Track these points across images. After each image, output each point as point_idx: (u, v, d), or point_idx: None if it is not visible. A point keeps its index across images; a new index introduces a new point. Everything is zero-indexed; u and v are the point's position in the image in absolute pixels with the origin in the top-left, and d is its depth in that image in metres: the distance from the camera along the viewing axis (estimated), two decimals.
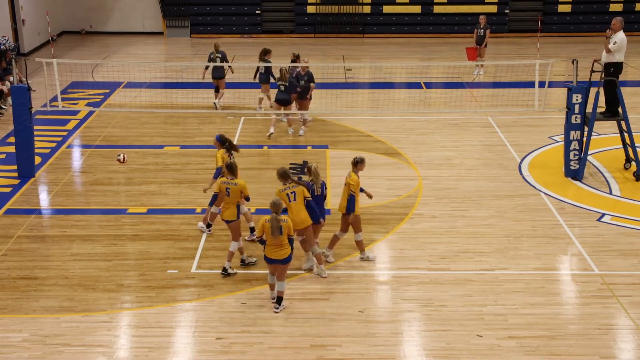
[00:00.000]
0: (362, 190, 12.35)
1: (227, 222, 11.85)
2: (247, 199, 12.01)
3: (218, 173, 12.95)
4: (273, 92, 19.24)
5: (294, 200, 11.49)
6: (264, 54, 19.58)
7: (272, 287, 11.05)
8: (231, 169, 11.93)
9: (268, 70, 19.55)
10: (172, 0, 31.30)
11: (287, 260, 10.77)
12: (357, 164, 12.08)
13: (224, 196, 11.77)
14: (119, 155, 16.64)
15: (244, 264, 12.19)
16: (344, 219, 12.19)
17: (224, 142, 13.35)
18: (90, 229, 13.68)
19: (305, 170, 11.97)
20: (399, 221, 13.84)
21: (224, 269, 11.88)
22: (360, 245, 12.38)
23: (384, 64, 25.39)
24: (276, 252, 10.69)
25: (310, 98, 18.85)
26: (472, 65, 24.48)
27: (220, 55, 20.49)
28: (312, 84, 18.64)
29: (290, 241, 10.77)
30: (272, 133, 18.21)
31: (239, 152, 13.50)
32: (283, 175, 11.57)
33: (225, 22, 31.46)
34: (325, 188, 12.05)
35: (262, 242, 10.77)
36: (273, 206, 10.62)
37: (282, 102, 18.30)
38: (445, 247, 12.83)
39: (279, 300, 10.91)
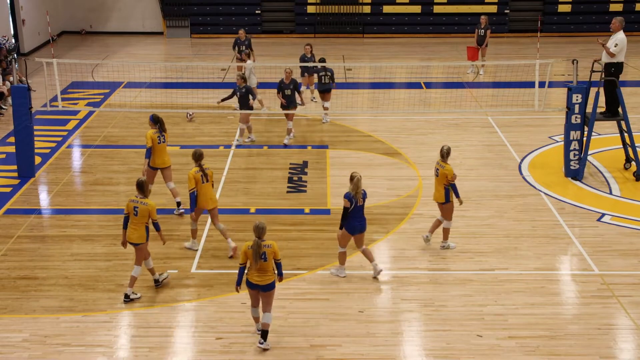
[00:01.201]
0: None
1: (135, 245, 11.02)
2: (155, 225, 11.03)
3: (149, 154, 13.75)
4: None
5: (206, 181, 12.21)
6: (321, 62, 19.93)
7: (256, 319, 10.23)
8: (140, 187, 10.96)
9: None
10: (172, 0, 31.29)
11: (269, 287, 9.82)
12: (449, 154, 12.45)
13: (132, 216, 10.94)
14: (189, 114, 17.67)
15: (159, 284, 11.47)
16: (440, 208, 12.69)
17: (157, 122, 13.83)
18: (90, 229, 13.68)
19: (349, 179, 11.46)
20: (399, 221, 13.84)
21: (126, 295, 11.13)
22: (446, 234, 12.74)
23: (384, 64, 25.40)
24: (256, 277, 9.79)
25: (297, 105, 18.32)
26: (471, 65, 24.46)
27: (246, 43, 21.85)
28: (299, 96, 17.98)
29: (278, 265, 9.89)
30: (249, 140, 17.89)
31: (166, 133, 14.03)
32: (197, 156, 12.27)
33: (225, 22, 31.44)
34: (366, 197, 11.60)
35: (241, 272, 9.84)
36: (255, 230, 9.73)
37: (249, 107, 17.57)
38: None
39: (264, 334, 9.97)
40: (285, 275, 11.71)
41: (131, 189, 15.32)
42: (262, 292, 9.88)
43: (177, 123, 19.61)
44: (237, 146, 17.73)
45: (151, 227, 11.10)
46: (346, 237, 11.63)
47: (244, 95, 17.35)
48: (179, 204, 14.14)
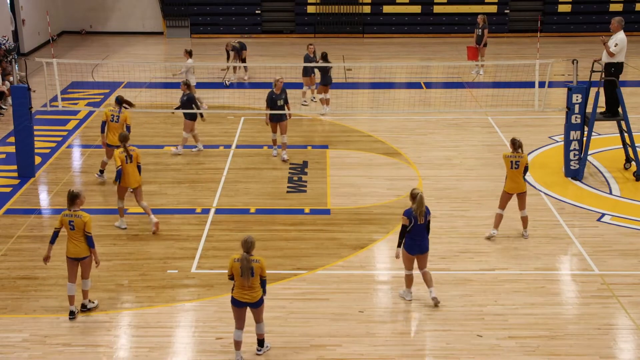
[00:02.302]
0: None
1: (82, 259, 10.55)
2: (89, 240, 10.46)
3: (103, 129, 15.32)
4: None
5: (130, 162, 13.08)
6: (324, 57, 20.09)
7: (237, 345, 9.68)
8: (69, 199, 10.51)
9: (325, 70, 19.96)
10: (172, 0, 31.29)
11: (258, 304, 9.56)
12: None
13: (69, 231, 10.47)
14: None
15: (85, 309, 10.84)
16: (522, 197, 13.03)
17: (118, 103, 15.42)
18: None
19: (410, 196, 10.80)
20: (399, 221, 13.78)
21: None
22: (526, 222, 13.18)
23: (384, 64, 25.39)
24: (246, 294, 9.48)
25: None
26: (472, 65, 24.47)
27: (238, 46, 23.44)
28: (287, 106, 16.63)
29: (263, 282, 9.55)
30: (178, 153, 17.27)
31: (133, 105, 15.70)
32: (122, 138, 13.25)
33: (225, 22, 31.44)
34: (430, 214, 10.93)
35: (232, 278, 9.59)
36: (244, 244, 9.39)
37: (193, 116, 17.13)
38: (445, 247, 12.83)
39: (260, 342, 9.90)
40: (285, 275, 11.77)
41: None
42: (252, 309, 9.64)
43: (177, 123, 19.58)
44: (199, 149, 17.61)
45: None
46: (408, 259, 10.92)
47: (185, 103, 16.89)
48: (101, 171, 15.75)
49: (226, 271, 11.90)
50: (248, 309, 9.64)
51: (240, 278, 9.38)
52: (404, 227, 10.77)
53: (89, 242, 10.50)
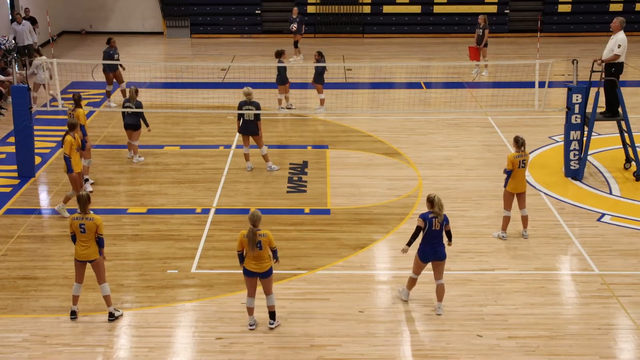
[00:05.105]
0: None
1: (91, 261, 10.46)
2: (101, 242, 10.44)
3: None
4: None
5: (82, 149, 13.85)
6: (278, 55, 19.95)
7: (250, 311, 10.41)
8: (80, 202, 10.43)
9: (282, 71, 19.65)
10: (172, 0, 31.29)
11: (267, 273, 10.16)
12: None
13: (79, 234, 10.39)
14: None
15: (113, 317, 10.67)
16: (523, 196, 13.07)
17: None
18: None
19: (427, 201, 10.55)
20: (399, 221, 13.83)
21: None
22: (526, 221, 13.16)
23: (384, 64, 25.39)
24: (255, 265, 10.09)
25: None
26: (472, 65, 24.46)
27: (297, 20, 26.44)
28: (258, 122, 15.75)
29: (274, 252, 10.18)
30: (140, 159, 16.81)
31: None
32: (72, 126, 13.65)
33: (225, 22, 31.44)
34: (448, 223, 10.64)
35: (241, 258, 10.15)
36: (251, 218, 9.99)
37: (130, 127, 16.56)
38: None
39: (272, 315, 10.40)
40: (285, 275, 11.78)
41: (132, 189, 15.40)
42: (261, 279, 10.23)
43: (177, 123, 19.62)
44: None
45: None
46: (418, 265, 10.76)
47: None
48: (86, 180, 15.12)
49: (227, 271, 12.04)
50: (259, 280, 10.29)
51: (250, 251, 9.98)
52: (418, 228, 10.56)
53: (100, 243, 10.48)
